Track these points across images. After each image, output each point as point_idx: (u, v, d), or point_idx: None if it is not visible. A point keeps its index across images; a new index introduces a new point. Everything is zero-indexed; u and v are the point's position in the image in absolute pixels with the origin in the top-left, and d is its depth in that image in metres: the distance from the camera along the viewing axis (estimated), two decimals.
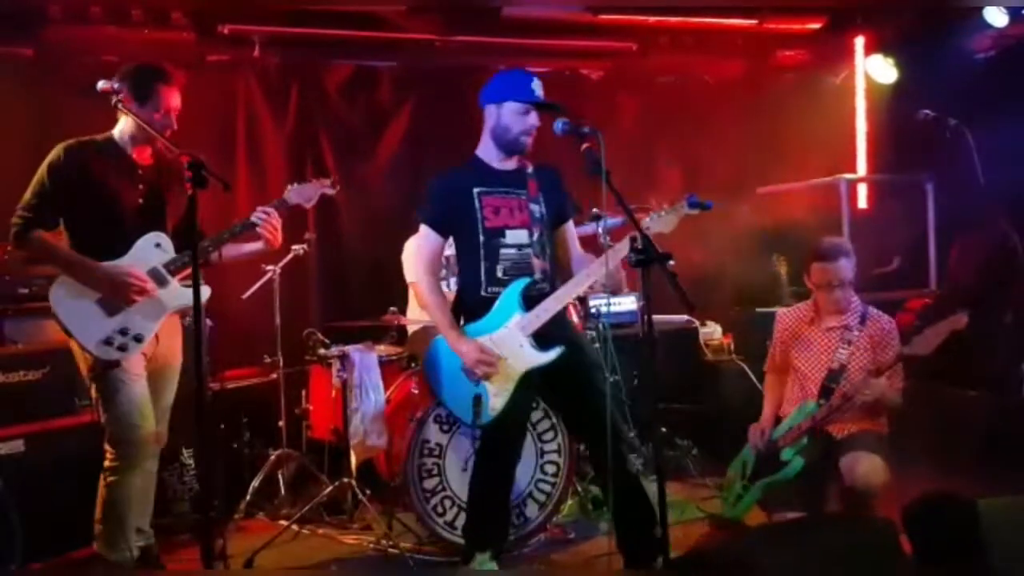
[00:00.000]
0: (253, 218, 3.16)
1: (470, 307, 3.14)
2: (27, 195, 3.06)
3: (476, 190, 3.09)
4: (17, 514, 3.21)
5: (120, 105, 2.97)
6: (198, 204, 2.50)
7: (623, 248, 2.90)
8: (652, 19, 5.40)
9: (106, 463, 3.10)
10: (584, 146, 2.93)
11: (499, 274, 3.07)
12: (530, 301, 3.05)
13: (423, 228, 3.15)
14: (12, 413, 3.51)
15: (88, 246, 3.05)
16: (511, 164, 3.16)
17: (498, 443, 3.18)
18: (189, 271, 3.02)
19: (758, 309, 5.05)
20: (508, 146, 3.12)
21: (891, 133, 5.65)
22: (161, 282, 3.07)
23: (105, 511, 3.10)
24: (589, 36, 5.61)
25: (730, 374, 4.89)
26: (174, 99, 3.13)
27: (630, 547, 3.11)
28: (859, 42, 5.76)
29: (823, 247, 3.34)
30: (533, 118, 3.08)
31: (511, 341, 3.03)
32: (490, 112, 3.13)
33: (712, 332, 5.26)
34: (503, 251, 3.08)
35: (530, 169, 3.19)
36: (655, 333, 2.79)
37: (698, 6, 5.40)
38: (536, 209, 3.13)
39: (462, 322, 3.13)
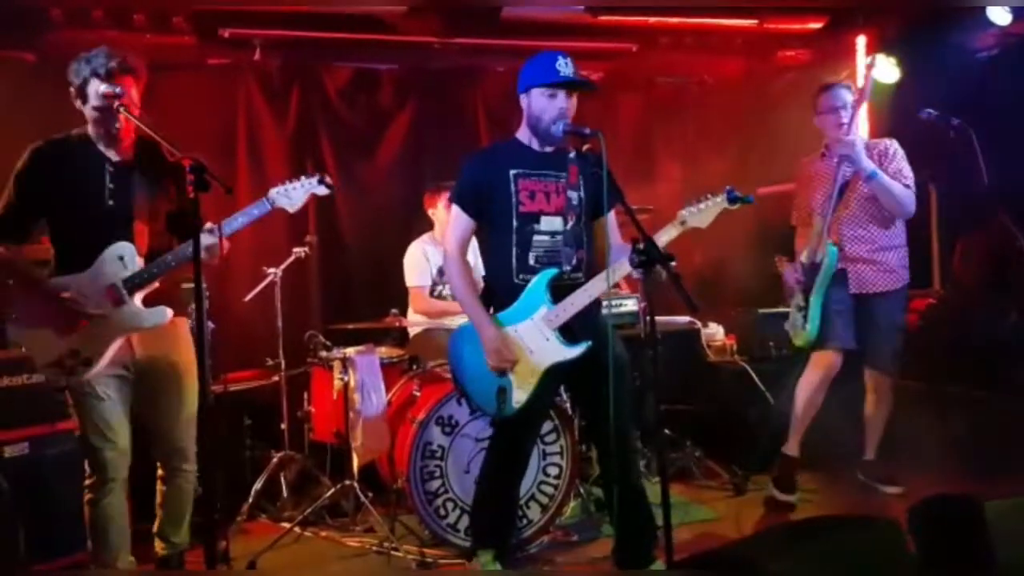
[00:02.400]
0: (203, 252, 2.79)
1: (500, 294, 3.04)
2: None
3: (513, 172, 2.98)
4: (21, 515, 3.22)
5: (123, 109, 2.81)
6: (200, 206, 2.43)
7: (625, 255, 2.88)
8: (652, 20, 5.39)
9: (85, 480, 3.02)
10: (585, 147, 2.93)
11: (531, 261, 2.98)
12: (560, 292, 2.96)
13: (453, 208, 3.05)
14: (17, 416, 3.51)
15: (63, 253, 2.93)
16: (550, 148, 3.06)
17: (515, 436, 3.11)
18: (152, 286, 2.90)
19: (761, 310, 5.04)
20: (543, 136, 2.99)
21: (894, 132, 5.63)
22: (117, 301, 2.85)
23: (88, 528, 3.02)
24: (589, 37, 5.59)
25: (733, 375, 4.88)
26: (133, 92, 2.91)
27: (624, 555, 3.11)
28: (860, 41, 5.74)
29: (827, 81, 4.09)
30: (562, 100, 2.94)
31: (536, 334, 2.97)
32: (523, 102, 3.03)
33: (715, 333, 5.25)
34: (536, 238, 2.98)
35: (572, 154, 3.05)
36: (657, 334, 2.78)
37: (698, 6, 5.38)
38: (574, 196, 3.00)
39: (491, 311, 3.04)
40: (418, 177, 5.44)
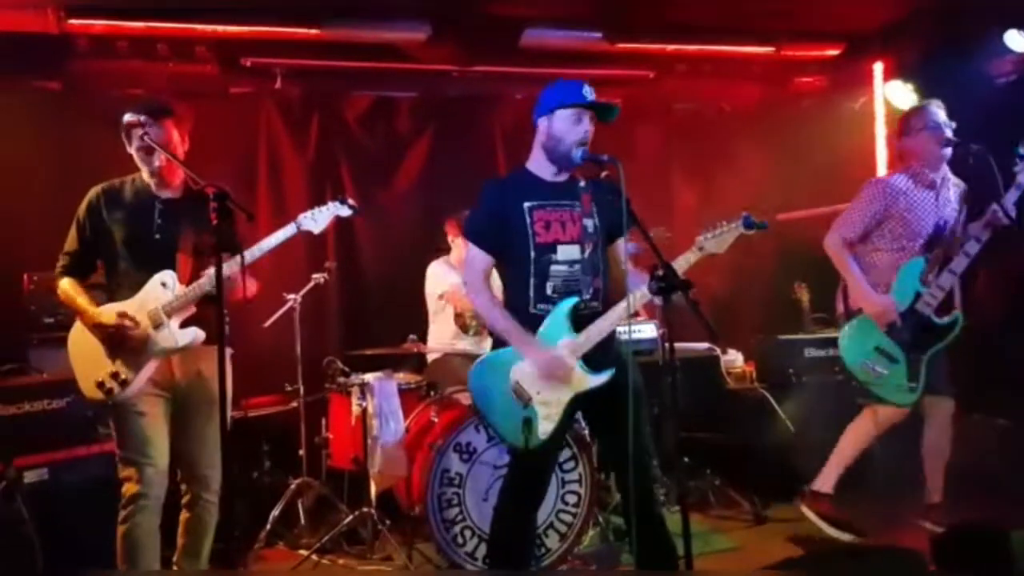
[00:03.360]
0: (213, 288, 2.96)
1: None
2: (65, 244, 3.17)
3: (527, 204, 2.98)
4: (38, 539, 3.23)
5: (146, 137, 2.99)
6: (227, 234, 2.54)
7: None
8: (669, 47, 5.42)
9: (121, 502, 3.06)
10: (603, 174, 2.94)
11: (548, 291, 2.97)
12: (580, 321, 2.95)
13: (470, 246, 3.05)
14: (37, 442, 3.54)
15: (114, 283, 3.13)
16: (563, 176, 3.06)
17: (535, 466, 3.07)
18: (190, 310, 3.05)
19: (780, 336, 5.01)
20: (562, 159, 2.99)
21: None
22: (157, 324, 3.02)
23: (119, 549, 3.04)
24: (606, 64, 5.64)
25: (753, 402, 4.84)
26: (173, 134, 3.10)
27: None
28: (878, 68, 5.75)
29: (916, 104, 3.99)
30: (586, 124, 2.96)
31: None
32: (541, 126, 3.02)
33: (734, 360, 5.22)
34: (553, 267, 2.97)
35: (583, 183, 3.06)
36: (676, 361, 2.77)
37: (715, 33, 5.42)
38: (590, 224, 3.00)
39: (498, 341, 3.04)
40: (436, 203, 5.47)
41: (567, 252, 2.98)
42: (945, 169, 3.84)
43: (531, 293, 2.98)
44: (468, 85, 5.71)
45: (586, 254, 2.99)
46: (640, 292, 2.89)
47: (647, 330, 4.80)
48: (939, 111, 3.83)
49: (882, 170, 5.77)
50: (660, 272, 2.67)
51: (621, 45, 5.25)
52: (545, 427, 2.93)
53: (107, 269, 3.17)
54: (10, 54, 4.72)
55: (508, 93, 5.97)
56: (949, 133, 3.77)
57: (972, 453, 4.14)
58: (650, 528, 2.99)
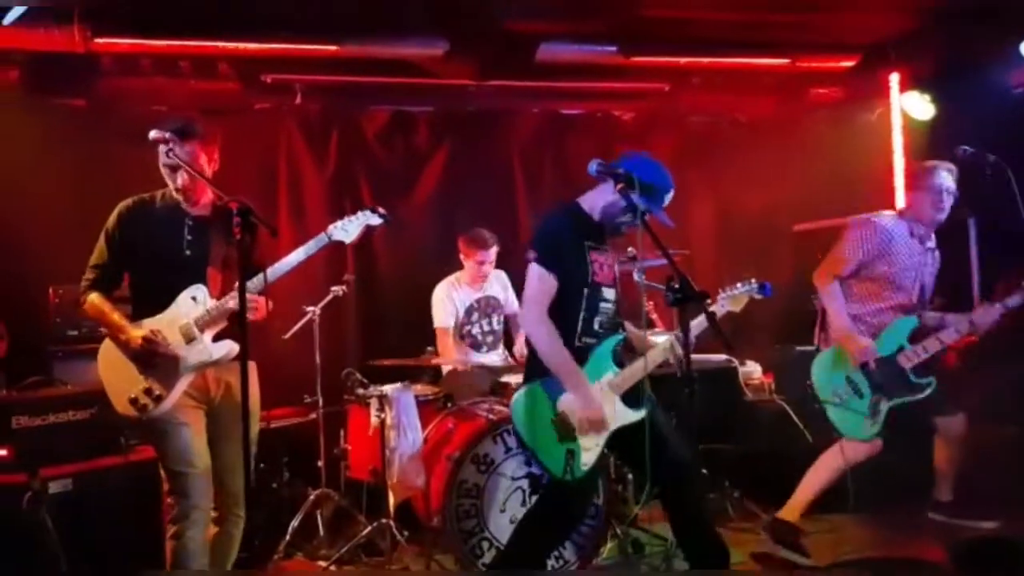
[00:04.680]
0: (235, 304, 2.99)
1: None
2: (92, 257, 3.17)
3: (587, 243, 3.08)
4: (62, 549, 3.27)
5: (171, 154, 3.00)
6: (248, 248, 2.57)
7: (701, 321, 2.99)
8: (684, 60, 5.45)
9: (169, 514, 3.07)
10: (618, 187, 2.96)
11: (595, 327, 3.07)
12: (620, 358, 3.08)
13: (543, 272, 3.01)
14: (62, 452, 3.59)
15: (141, 301, 3.13)
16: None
17: (573, 498, 3.09)
18: (221, 323, 3.06)
19: (798, 348, 4.99)
20: (609, 224, 3.12)
21: None
22: (189, 339, 3.04)
23: (170, 564, 3.06)
24: (621, 78, 5.68)
25: (771, 414, 4.82)
26: (200, 155, 3.10)
27: None
28: (894, 79, 5.74)
29: (933, 163, 3.97)
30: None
31: (604, 398, 3.02)
32: (617, 187, 2.95)
33: (752, 371, 5.21)
34: (602, 305, 3.09)
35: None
36: (694, 372, 2.79)
37: (730, 45, 5.43)
38: (616, 268, 3.20)
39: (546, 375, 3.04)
40: (453, 217, 5.52)
41: (609, 292, 3.13)
42: (932, 232, 3.98)
43: (579, 326, 3.05)
44: (485, 99, 5.76)
45: (619, 297, 3.17)
46: (675, 336, 3.05)
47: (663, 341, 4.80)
48: (947, 176, 3.90)
49: (899, 181, 5.75)
50: (676, 284, 2.71)
51: (636, 58, 5.28)
52: (587, 459, 2.99)
53: (133, 283, 3.17)
54: (38, 72, 4.82)
55: (524, 107, 6.02)
56: (948, 203, 3.89)
57: (989, 464, 4.12)
58: (714, 549, 3.06)
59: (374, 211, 3.22)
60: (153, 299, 3.08)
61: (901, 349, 3.83)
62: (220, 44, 4.81)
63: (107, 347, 3.11)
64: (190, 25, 4.73)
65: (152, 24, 4.68)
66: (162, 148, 3.03)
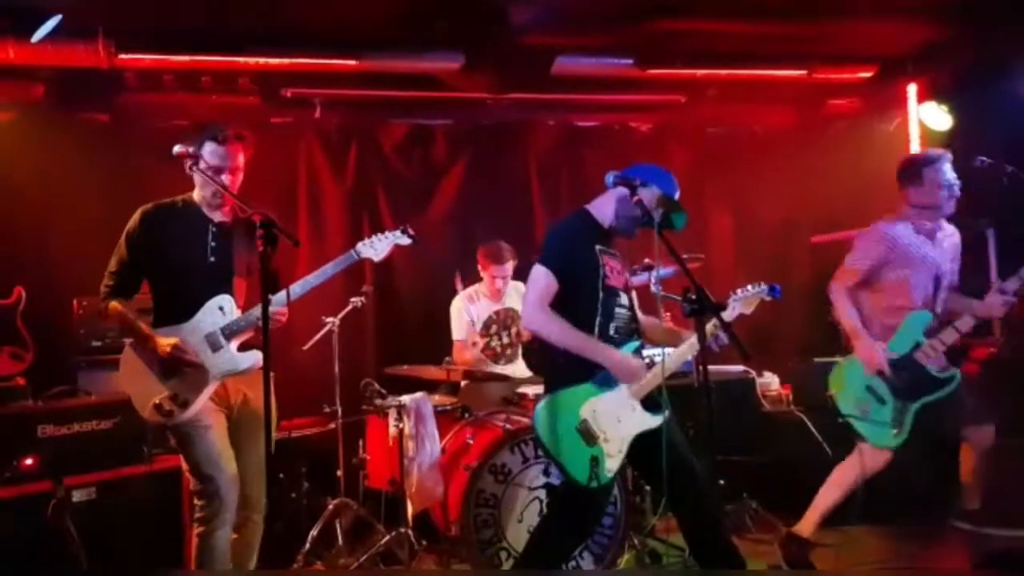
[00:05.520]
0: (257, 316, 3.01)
1: (576, 360, 3.06)
2: (110, 263, 3.18)
3: (597, 247, 3.11)
4: (86, 557, 3.31)
5: (195, 168, 3.05)
6: (269, 260, 2.60)
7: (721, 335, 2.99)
8: (700, 72, 5.47)
9: (196, 514, 3.09)
10: (635, 198, 2.99)
11: (611, 332, 3.08)
12: None
13: (544, 272, 3.05)
14: (86, 461, 3.64)
15: (164, 307, 3.14)
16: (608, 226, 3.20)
17: (592, 504, 3.10)
18: (247, 334, 3.11)
19: (816, 359, 4.97)
20: (621, 227, 3.15)
21: None
22: (215, 347, 3.07)
23: (195, 563, 3.09)
24: (638, 90, 5.70)
25: (788, 425, 4.80)
26: (235, 159, 3.14)
27: None
28: (911, 90, 5.74)
29: (928, 153, 3.92)
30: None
31: (624, 403, 3.04)
32: (626, 193, 3.01)
33: (770, 382, 5.19)
34: (617, 310, 3.11)
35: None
36: (711, 383, 2.80)
37: (746, 57, 5.44)
38: (627, 274, 3.23)
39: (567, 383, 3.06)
40: (471, 229, 5.56)
41: (623, 298, 3.16)
42: (943, 221, 3.85)
43: (595, 331, 3.07)
44: (502, 112, 5.80)
45: (633, 302, 3.19)
46: (693, 339, 3.03)
47: None
48: (945, 167, 3.78)
49: None
50: (693, 295, 2.72)
51: (652, 70, 5.30)
52: (611, 464, 3.01)
53: (156, 289, 3.18)
54: (63, 88, 4.92)
55: (541, 120, 6.06)
56: (949, 194, 3.76)
57: (1011, 477, 4.08)
58: (729, 557, 3.07)
59: (404, 232, 3.31)
60: (177, 306, 3.10)
61: (918, 345, 3.72)
62: (241, 59, 4.88)
63: (129, 354, 3.14)
64: (211, 41, 4.81)
65: (174, 40, 4.76)
66: (179, 153, 3.04)
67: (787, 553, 3.87)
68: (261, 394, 3.12)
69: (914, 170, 3.83)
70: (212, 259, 3.13)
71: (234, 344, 3.10)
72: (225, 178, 3.10)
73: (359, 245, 3.25)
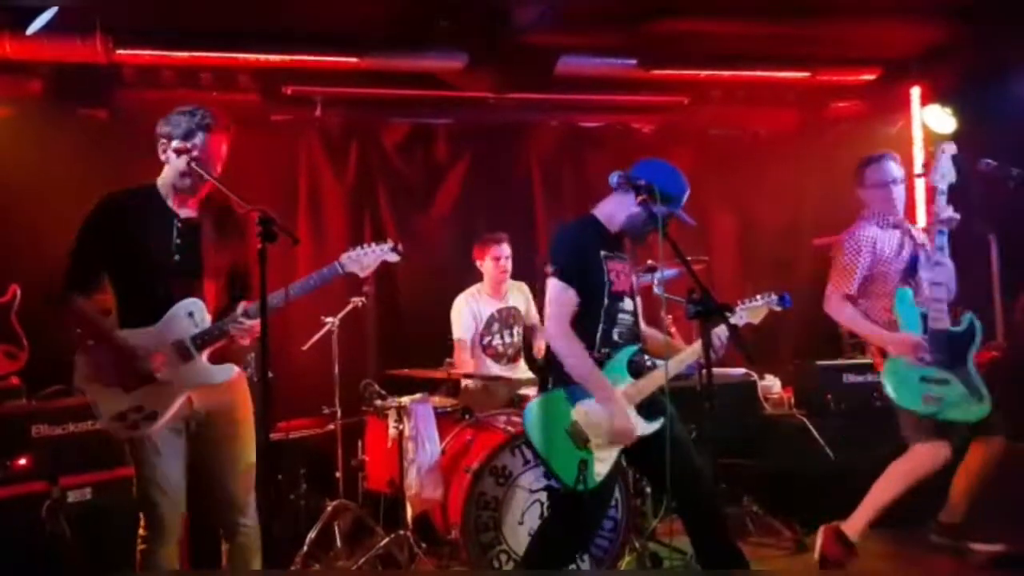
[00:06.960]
0: (230, 327, 2.82)
1: None
2: (71, 251, 2.88)
3: (602, 252, 3.07)
4: (81, 558, 3.28)
5: (195, 164, 2.80)
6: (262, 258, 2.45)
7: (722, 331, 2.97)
8: (704, 73, 5.45)
9: (140, 531, 2.87)
10: (639, 199, 2.96)
11: (614, 337, 3.05)
12: (635, 369, 3.05)
13: (562, 288, 2.99)
14: (81, 461, 3.60)
15: (127, 307, 2.85)
16: (616, 230, 3.16)
17: (587, 509, 3.06)
18: (219, 344, 2.84)
19: (818, 362, 4.96)
20: (631, 233, 3.12)
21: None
22: (185, 358, 2.79)
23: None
24: (640, 91, 5.68)
25: (790, 429, 4.78)
26: (220, 148, 2.89)
27: None
28: (915, 92, 5.72)
29: (873, 154, 3.93)
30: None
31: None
32: (635, 198, 2.97)
33: (771, 385, 5.17)
34: (620, 316, 3.07)
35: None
36: (713, 386, 2.77)
37: (750, 58, 5.43)
38: (634, 278, 3.18)
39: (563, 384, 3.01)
40: (473, 229, 5.51)
41: (628, 303, 3.11)
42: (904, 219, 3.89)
43: (598, 337, 3.03)
44: (504, 112, 5.77)
45: (637, 306, 3.15)
46: (694, 349, 3.05)
47: None
48: (892, 165, 3.85)
49: (921, 195, 5.72)
50: (696, 297, 2.69)
51: (655, 71, 5.28)
52: (600, 469, 2.96)
53: (117, 288, 2.86)
54: (61, 83, 4.88)
55: (544, 120, 6.03)
56: (899, 192, 3.83)
57: (1013, 483, 4.05)
58: (727, 553, 3.03)
59: (393, 249, 3.02)
60: (140, 307, 2.82)
61: (925, 317, 3.66)
62: (241, 56, 4.86)
63: (88, 356, 2.86)
64: (211, 37, 4.78)
65: (174, 36, 4.73)
66: (177, 148, 2.82)
67: (827, 546, 3.69)
68: (235, 398, 2.97)
69: (858, 171, 3.94)
70: (177, 257, 2.84)
71: (205, 354, 2.83)
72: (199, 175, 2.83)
73: (343, 258, 2.97)
